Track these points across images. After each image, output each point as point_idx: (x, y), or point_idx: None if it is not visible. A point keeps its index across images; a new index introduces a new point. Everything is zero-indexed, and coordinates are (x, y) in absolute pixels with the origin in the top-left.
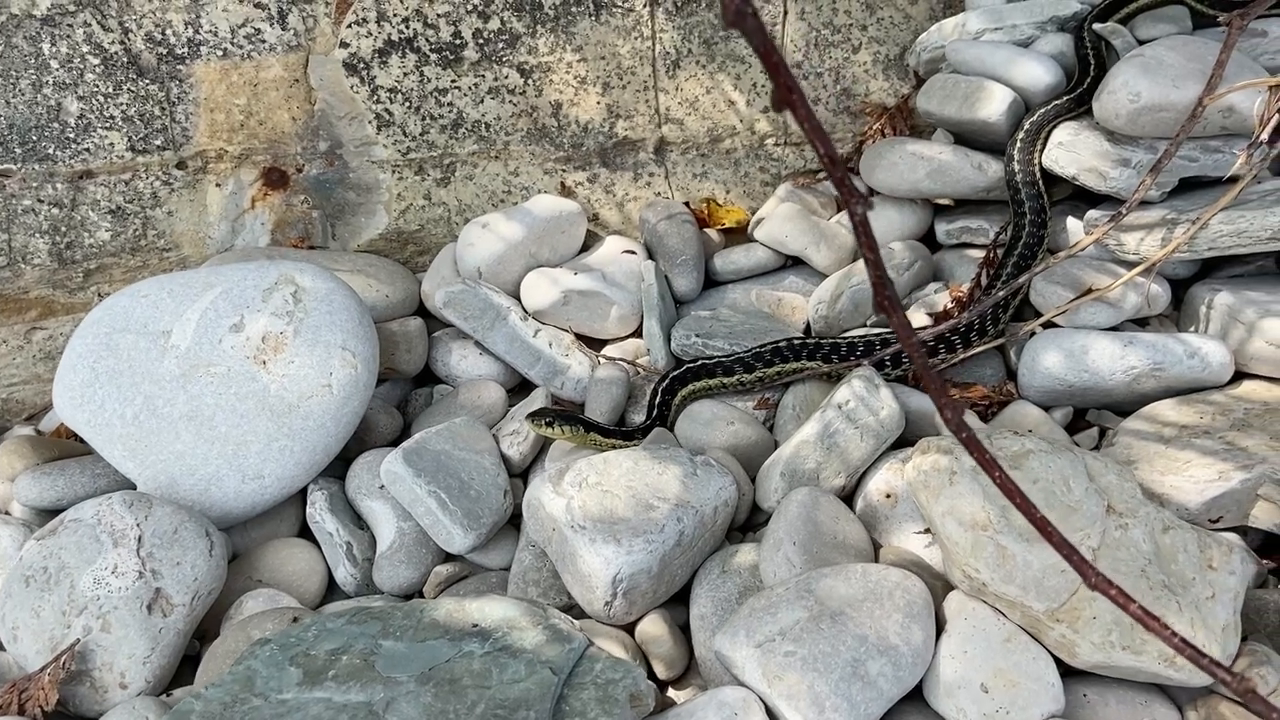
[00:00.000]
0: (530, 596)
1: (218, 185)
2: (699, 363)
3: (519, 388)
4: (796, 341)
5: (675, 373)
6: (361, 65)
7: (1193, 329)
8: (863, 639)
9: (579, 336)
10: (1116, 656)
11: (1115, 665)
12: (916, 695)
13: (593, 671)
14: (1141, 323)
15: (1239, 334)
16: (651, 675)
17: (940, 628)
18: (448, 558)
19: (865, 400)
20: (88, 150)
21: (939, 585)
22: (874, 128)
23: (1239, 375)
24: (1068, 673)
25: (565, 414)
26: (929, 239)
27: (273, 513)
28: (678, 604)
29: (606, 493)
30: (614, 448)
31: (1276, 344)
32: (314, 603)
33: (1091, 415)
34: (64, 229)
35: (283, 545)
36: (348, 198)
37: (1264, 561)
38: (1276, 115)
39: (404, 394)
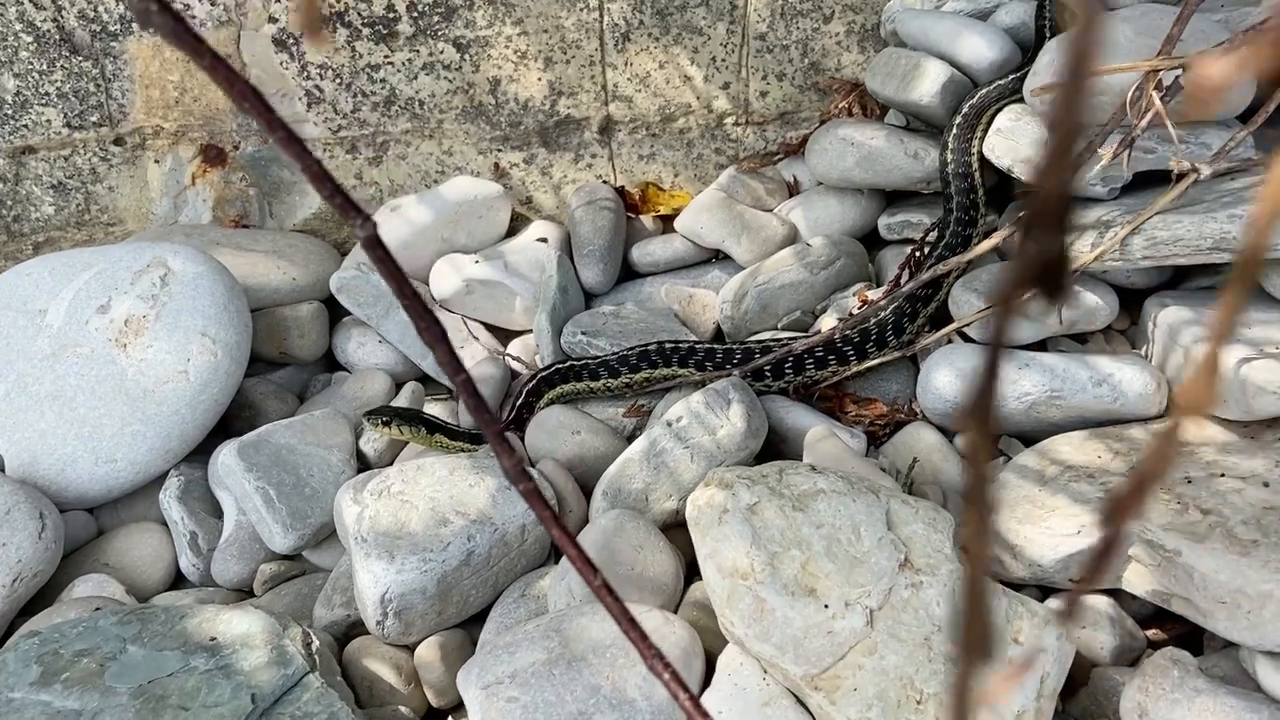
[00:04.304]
0: (335, 605)
1: (156, 162)
2: (569, 364)
3: (422, 379)
4: (669, 345)
5: (543, 373)
6: (291, 41)
7: (1144, 349)
8: (595, 690)
9: (489, 327)
10: None
11: None
12: None
13: (297, 702)
14: (1081, 339)
15: (1177, 358)
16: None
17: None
18: (280, 555)
19: (701, 417)
20: (26, 127)
21: None
22: (838, 105)
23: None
24: None
25: (407, 412)
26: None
27: (141, 495)
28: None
29: (405, 503)
30: (462, 450)
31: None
32: (157, 590)
33: (1004, 443)
34: (10, 203)
35: (134, 530)
36: (282, 176)
37: (1147, 632)
38: (1156, 105)
39: (307, 379)
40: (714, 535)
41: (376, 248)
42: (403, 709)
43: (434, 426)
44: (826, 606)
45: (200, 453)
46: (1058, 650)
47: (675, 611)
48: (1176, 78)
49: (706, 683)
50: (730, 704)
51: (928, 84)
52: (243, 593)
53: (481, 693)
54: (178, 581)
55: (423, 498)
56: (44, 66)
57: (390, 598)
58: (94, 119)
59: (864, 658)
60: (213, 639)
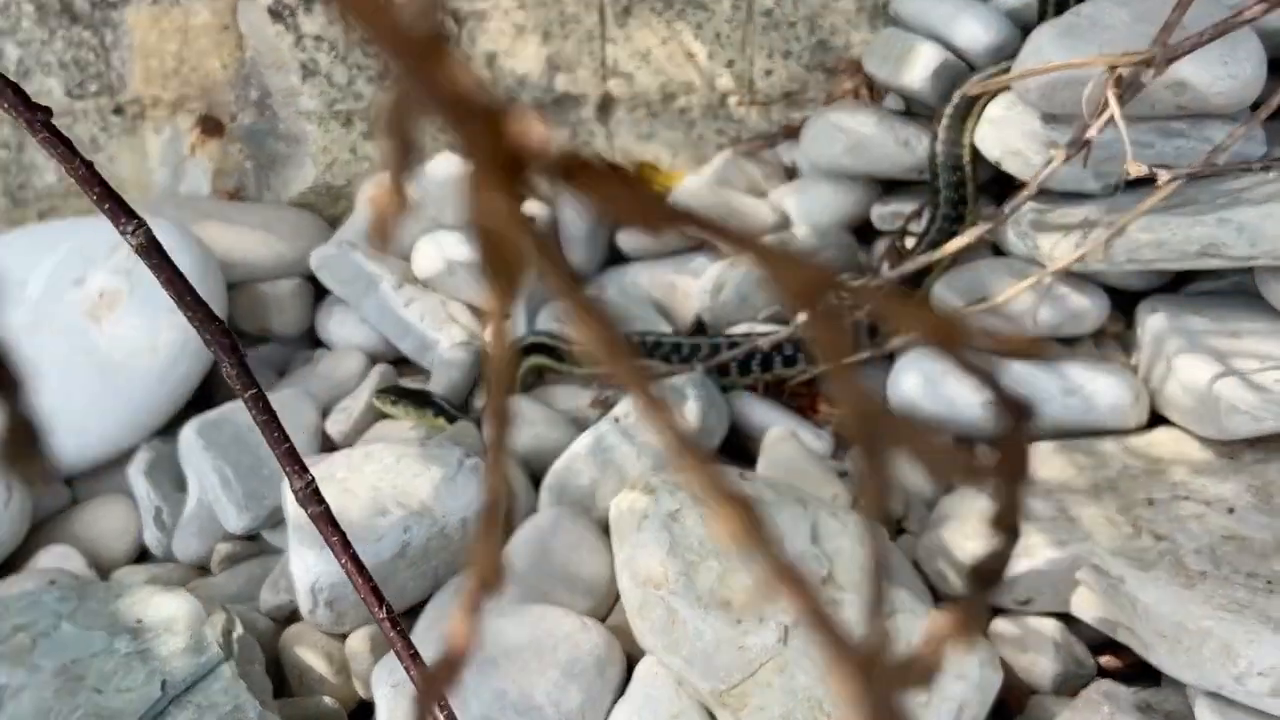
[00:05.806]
0: (280, 590)
1: (155, 132)
2: (542, 339)
3: (396, 361)
4: (635, 339)
5: (520, 344)
6: (286, 11)
7: (1134, 355)
8: (501, 695)
9: (472, 309)
10: None
11: None
12: None
13: (206, 691)
14: (1070, 343)
15: (1161, 369)
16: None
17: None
18: (236, 535)
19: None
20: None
21: None
22: (844, 87)
23: (1161, 420)
24: None
25: (416, 394)
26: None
27: (115, 467)
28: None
29: (347, 491)
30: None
31: (1189, 388)
32: (121, 563)
33: (980, 448)
34: (15, 170)
35: (103, 503)
36: (278, 149)
37: (1101, 659)
38: (1112, 105)
39: (289, 356)
40: (632, 541)
41: (152, 254)
42: (328, 700)
43: (440, 410)
44: (740, 621)
45: (176, 427)
46: (979, 678)
47: (608, 615)
48: (1138, 74)
49: (624, 690)
50: (641, 713)
51: (919, 68)
52: (202, 570)
53: (390, 690)
54: (143, 556)
55: (365, 486)
56: (45, 35)
57: (320, 587)
58: (94, 88)
59: (774, 676)
60: (138, 621)
